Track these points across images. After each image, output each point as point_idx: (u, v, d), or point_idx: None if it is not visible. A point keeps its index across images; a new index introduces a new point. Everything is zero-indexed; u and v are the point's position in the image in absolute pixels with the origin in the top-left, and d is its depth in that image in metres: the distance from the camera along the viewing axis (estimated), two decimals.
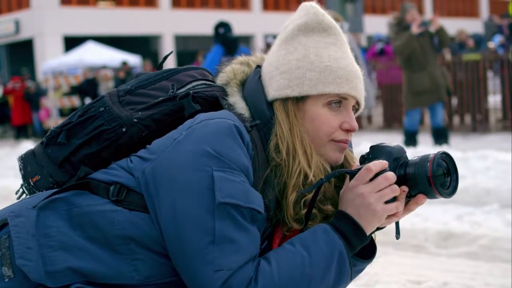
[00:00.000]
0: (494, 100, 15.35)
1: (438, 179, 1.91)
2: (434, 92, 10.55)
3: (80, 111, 2.14)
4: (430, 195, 1.94)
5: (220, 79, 2.17)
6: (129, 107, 2.09)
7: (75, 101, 21.35)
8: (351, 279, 1.94)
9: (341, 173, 1.99)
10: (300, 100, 2.02)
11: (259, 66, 2.15)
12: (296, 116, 2.02)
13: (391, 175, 1.91)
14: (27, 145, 14.71)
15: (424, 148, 9.78)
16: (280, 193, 1.99)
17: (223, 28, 10.41)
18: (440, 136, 10.90)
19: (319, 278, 1.83)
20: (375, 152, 2.01)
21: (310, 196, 1.98)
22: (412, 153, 9.39)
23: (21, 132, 24.46)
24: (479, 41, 19.76)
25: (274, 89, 2.04)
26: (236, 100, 2.09)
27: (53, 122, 21.08)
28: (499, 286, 4.77)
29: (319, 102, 2.02)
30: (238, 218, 1.82)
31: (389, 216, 1.97)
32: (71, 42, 31.77)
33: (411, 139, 10.78)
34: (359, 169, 1.96)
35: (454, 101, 15.05)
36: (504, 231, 5.91)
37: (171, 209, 1.83)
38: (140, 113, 2.06)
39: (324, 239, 1.88)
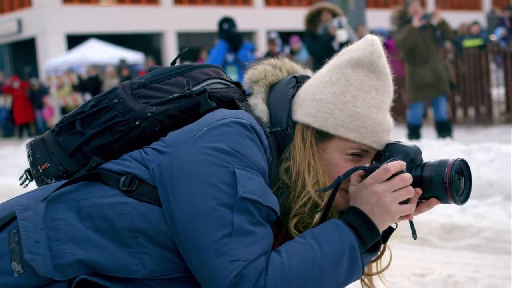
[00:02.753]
0: (498, 93, 15.33)
1: (454, 185, 1.92)
2: (437, 85, 10.55)
3: (93, 101, 2.13)
4: (443, 200, 1.94)
5: (250, 76, 2.17)
6: (143, 101, 2.09)
7: (79, 99, 21.37)
8: (363, 273, 1.94)
9: (359, 169, 1.98)
10: (322, 136, 2.02)
11: (295, 77, 2.15)
12: (312, 147, 2.01)
13: (408, 177, 1.91)
14: None
15: (428, 141, 9.78)
16: (282, 213, 1.99)
17: (227, 23, 10.40)
18: (443, 129, 10.90)
19: (329, 270, 1.83)
20: (392, 150, 2.01)
21: (323, 204, 1.98)
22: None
23: (24, 131, 24.51)
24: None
25: (301, 112, 2.04)
26: (257, 102, 2.10)
27: (57, 120, 21.08)
28: (503, 278, 4.77)
29: (340, 148, 2.01)
30: (256, 214, 1.83)
31: (401, 217, 1.97)
32: (74, 40, 31.78)
33: (414, 133, 10.79)
34: (375, 167, 1.95)
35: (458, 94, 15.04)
36: (507, 223, 5.91)
37: (188, 202, 1.83)
38: (154, 107, 2.06)
39: (335, 232, 1.87)
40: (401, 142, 2.04)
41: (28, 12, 34.55)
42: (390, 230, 2.09)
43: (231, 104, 2.10)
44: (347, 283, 1.90)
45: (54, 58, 28.52)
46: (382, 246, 2.09)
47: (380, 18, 31.27)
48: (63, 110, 22.27)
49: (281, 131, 2.03)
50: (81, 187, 1.96)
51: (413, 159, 1.98)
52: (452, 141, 9.79)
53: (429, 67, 10.50)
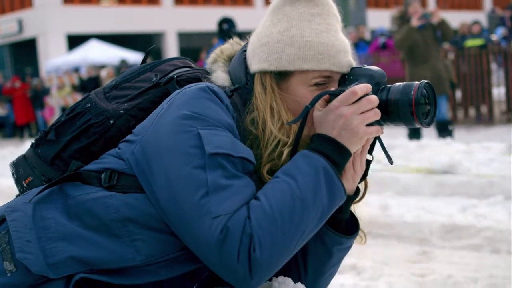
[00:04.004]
0: (498, 92, 15.32)
1: (420, 108, 1.90)
2: (437, 85, 10.54)
3: (68, 110, 2.19)
4: (409, 122, 1.92)
5: (209, 59, 2.19)
6: (115, 101, 2.13)
7: (79, 99, 21.36)
8: (346, 194, 1.91)
9: (324, 94, 1.96)
10: (282, 76, 2.01)
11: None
12: (273, 90, 2.01)
13: (374, 98, 1.90)
14: None
15: (428, 141, 9.77)
16: (257, 166, 1.98)
17: (227, 24, 10.41)
18: (444, 129, 10.89)
19: (311, 198, 1.81)
20: (357, 74, 2.00)
21: (290, 141, 1.97)
22: (416, 146, 9.34)
23: (25, 131, 24.51)
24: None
25: (255, 62, 2.04)
26: (218, 74, 2.11)
27: None
28: (503, 278, 4.76)
29: (303, 81, 2.00)
30: (230, 167, 1.82)
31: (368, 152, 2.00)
32: (75, 41, 31.80)
33: (415, 132, 10.78)
34: (341, 91, 1.93)
35: (458, 94, 15.03)
36: (508, 223, 5.89)
37: (164, 176, 1.83)
38: (126, 104, 2.10)
39: (305, 161, 1.86)
40: (365, 65, 2.03)
41: (29, 13, 34.56)
42: (367, 163, 2.07)
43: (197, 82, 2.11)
44: (333, 208, 1.89)
45: (55, 59, 28.52)
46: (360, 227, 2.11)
47: (381, 18, 31.25)
48: (64, 110, 22.27)
49: (243, 87, 2.04)
50: (65, 188, 1.99)
51: (378, 83, 1.97)
52: (452, 141, 9.78)
53: (429, 67, 10.51)
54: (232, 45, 2.22)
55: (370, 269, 5.01)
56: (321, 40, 1.99)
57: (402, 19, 10.72)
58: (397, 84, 1.96)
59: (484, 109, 14.84)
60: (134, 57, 25.73)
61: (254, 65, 2.04)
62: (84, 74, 22.63)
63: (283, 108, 2.00)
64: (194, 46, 31.63)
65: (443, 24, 10.59)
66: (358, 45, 17.24)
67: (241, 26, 11.89)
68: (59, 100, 22.95)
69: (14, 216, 1.95)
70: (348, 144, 1.90)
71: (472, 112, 15.15)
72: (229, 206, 1.77)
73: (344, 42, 2.05)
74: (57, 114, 22.45)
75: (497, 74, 15.82)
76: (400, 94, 1.91)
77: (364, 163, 2.02)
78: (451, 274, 4.80)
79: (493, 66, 15.27)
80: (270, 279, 2.03)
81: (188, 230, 1.81)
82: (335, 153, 1.89)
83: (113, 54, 25.29)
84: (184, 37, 36.98)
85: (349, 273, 5.00)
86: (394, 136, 10.78)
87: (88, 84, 21.38)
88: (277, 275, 2.05)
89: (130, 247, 1.89)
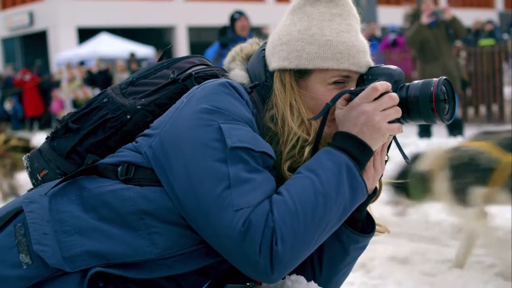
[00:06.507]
0: (509, 91, 15.27)
1: (440, 104, 1.91)
2: None
3: (84, 104, 2.20)
4: (429, 119, 1.93)
5: (228, 57, 2.21)
6: (132, 97, 2.14)
7: (89, 92, 21.42)
8: (367, 192, 1.92)
9: (345, 93, 1.97)
10: (301, 74, 2.02)
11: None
12: (293, 88, 2.02)
13: (395, 96, 1.92)
14: (43, 137, 14.73)
15: (439, 139, 9.73)
16: (277, 162, 1.99)
17: (238, 14, 10.44)
18: (454, 127, 10.85)
19: (333, 194, 1.82)
20: (375, 73, 2.01)
21: (311, 137, 1.98)
22: (427, 145, 9.32)
23: (34, 123, 24.59)
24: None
25: (274, 60, 2.05)
26: (236, 72, 2.12)
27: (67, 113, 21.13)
28: None
29: (322, 79, 2.02)
30: (251, 161, 1.84)
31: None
32: (85, 34, 31.85)
33: (425, 131, 10.73)
34: (361, 89, 1.95)
35: (469, 92, 14.98)
36: None
37: (183, 169, 1.84)
38: (143, 99, 2.11)
39: (327, 158, 1.87)
40: (383, 65, 2.04)
41: (40, 5, 34.64)
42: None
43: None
44: (355, 204, 1.90)
45: (65, 51, 28.60)
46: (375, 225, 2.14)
47: (392, 15, 31.18)
48: (74, 103, 22.35)
49: (262, 85, 2.05)
50: (81, 182, 1.99)
51: (397, 81, 1.98)
52: (463, 140, 9.72)
53: (440, 65, 10.45)
54: (251, 44, 2.23)
55: (380, 267, 4.99)
56: (341, 39, 2.01)
57: (415, 16, 10.67)
58: (416, 81, 1.97)
59: (495, 107, 14.79)
60: (144, 51, 25.77)
61: (274, 63, 2.05)
62: (94, 67, 22.68)
63: (302, 105, 2.02)
64: (204, 40, 31.61)
65: (454, 21, 10.54)
66: (370, 41, 17.18)
67: (252, 21, 11.88)
68: (69, 93, 23.00)
69: (31, 207, 1.95)
70: (370, 141, 1.91)
71: (483, 110, 15.10)
72: (251, 199, 1.78)
73: (364, 43, 2.07)
74: (66, 107, 22.47)
75: (508, 73, 15.76)
76: (419, 91, 1.92)
77: (384, 162, 2.02)
78: (462, 274, 4.78)
79: (504, 65, 15.22)
80: (283, 277, 2.03)
81: (208, 222, 1.80)
82: (357, 151, 1.90)
83: (123, 48, 25.33)
84: (195, 32, 36.99)
85: (358, 272, 4.99)
86: (405, 133, 10.74)
87: (97, 77, 21.42)
88: (290, 273, 2.04)
89: (147, 240, 1.88)
